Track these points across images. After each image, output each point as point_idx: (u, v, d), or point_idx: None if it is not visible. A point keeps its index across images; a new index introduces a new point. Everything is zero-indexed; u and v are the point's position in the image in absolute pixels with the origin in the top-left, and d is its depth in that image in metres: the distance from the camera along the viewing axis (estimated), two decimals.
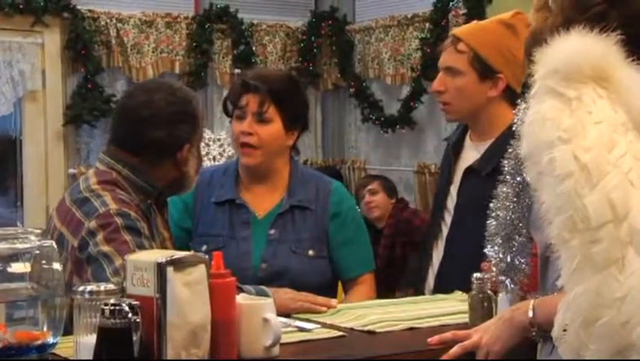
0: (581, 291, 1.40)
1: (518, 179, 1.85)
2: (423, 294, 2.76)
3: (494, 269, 1.93)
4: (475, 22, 2.90)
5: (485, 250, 1.95)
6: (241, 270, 2.48)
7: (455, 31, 2.77)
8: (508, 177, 1.87)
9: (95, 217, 2.13)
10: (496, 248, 1.91)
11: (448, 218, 2.76)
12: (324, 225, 2.66)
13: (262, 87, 2.59)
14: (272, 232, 2.62)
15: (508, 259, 1.90)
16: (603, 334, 1.38)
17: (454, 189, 2.76)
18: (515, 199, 1.86)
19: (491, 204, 1.92)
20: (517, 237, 1.88)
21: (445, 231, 2.76)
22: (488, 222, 1.92)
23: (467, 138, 2.79)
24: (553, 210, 1.44)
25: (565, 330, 1.43)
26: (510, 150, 1.88)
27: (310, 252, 2.63)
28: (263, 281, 2.47)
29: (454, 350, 1.91)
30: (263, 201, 2.66)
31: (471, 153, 2.74)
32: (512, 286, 1.93)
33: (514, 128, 1.81)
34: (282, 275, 2.57)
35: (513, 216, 1.87)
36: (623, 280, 1.37)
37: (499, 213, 1.90)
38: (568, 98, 1.47)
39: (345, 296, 2.75)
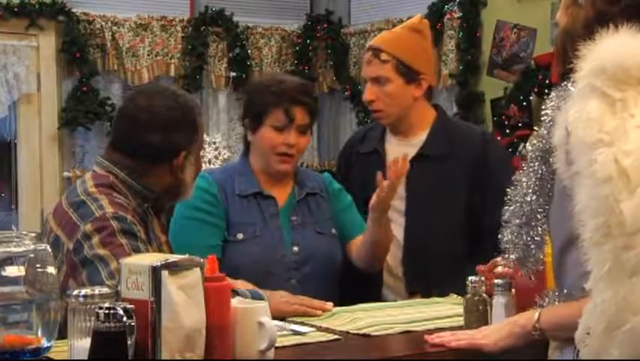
0: (608, 296, 1.39)
1: (542, 168, 1.83)
2: (385, 300, 2.81)
3: (509, 256, 1.92)
4: (387, 31, 3.13)
5: (499, 236, 1.94)
6: (280, 257, 2.69)
7: (374, 42, 2.97)
8: (531, 164, 1.86)
9: (91, 221, 2.13)
10: (511, 236, 1.90)
11: (397, 215, 2.84)
12: (331, 209, 2.83)
13: (309, 102, 2.73)
14: (294, 218, 2.75)
15: (523, 247, 1.89)
16: (626, 340, 1.37)
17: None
18: (536, 188, 1.84)
19: (509, 191, 1.91)
20: (534, 225, 1.87)
21: (395, 228, 2.83)
22: (504, 209, 1.91)
23: (388, 139, 2.98)
24: (589, 212, 1.43)
25: (588, 333, 1.42)
26: (535, 138, 1.86)
27: (333, 230, 2.79)
28: (299, 264, 2.69)
29: (453, 344, 1.93)
30: (278, 192, 2.78)
31: (405, 149, 2.86)
32: (527, 274, 1.92)
33: (542, 117, 1.80)
34: (314, 256, 2.71)
35: (532, 205, 1.84)
36: None
37: (517, 199, 1.88)
38: (613, 99, 1.47)
39: (355, 254, 2.79)
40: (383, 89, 2.87)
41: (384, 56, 2.86)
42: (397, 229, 2.84)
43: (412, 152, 2.85)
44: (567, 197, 1.60)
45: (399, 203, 2.84)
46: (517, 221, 1.87)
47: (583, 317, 1.45)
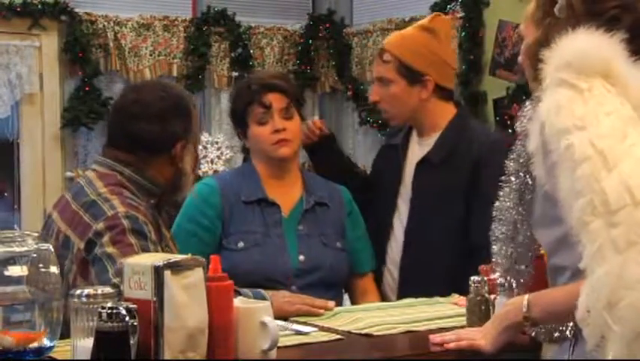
0: (602, 272, 1.42)
1: (521, 180, 1.86)
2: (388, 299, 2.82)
3: (498, 270, 1.95)
4: (397, 32, 3.02)
5: (490, 251, 1.96)
6: (282, 265, 2.66)
7: (382, 43, 2.92)
8: (511, 178, 1.89)
9: (103, 220, 2.13)
10: (500, 250, 1.93)
11: (402, 217, 2.83)
12: (341, 221, 2.80)
13: (284, 85, 2.74)
14: (301, 227, 2.73)
15: (512, 261, 1.91)
16: (626, 316, 1.40)
17: (405, 186, 2.85)
18: (518, 200, 1.88)
19: (495, 205, 1.93)
20: (520, 238, 1.89)
21: (397, 228, 2.84)
22: (492, 225, 1.93)
23: (413, 136, 2.92)
24: (573, 194, 1.47)
25: (589, 311, 1.45)
26: (513, 151, 1.89)
27: (338, 244, 2.76)
28: (303, 274, 2.66)
29: (452, 345, 1.93)
30: (285, 199, 2.75)
31: (418, 149, 2.87)
32: (516, 288, 1.93)
33: (517, 128, 1.84)
34: (318, 267, 2.69)
35: (516, 218, 1.88)
36: None
37: (502, 214, 1.91)
38: (580, 89, 1.53)
39: (358, 297, 2.84)
40: (386, 90, 2.83)
41: (386, 57, 2.82)
42: (400, 230, 2.84)
43: (423, 152, 2.84)
44: (549, 202, 1.63)
45: (404, 205, 2.83)
46: (502, 236, 1.91)
47: (581, 297, 1.47)
